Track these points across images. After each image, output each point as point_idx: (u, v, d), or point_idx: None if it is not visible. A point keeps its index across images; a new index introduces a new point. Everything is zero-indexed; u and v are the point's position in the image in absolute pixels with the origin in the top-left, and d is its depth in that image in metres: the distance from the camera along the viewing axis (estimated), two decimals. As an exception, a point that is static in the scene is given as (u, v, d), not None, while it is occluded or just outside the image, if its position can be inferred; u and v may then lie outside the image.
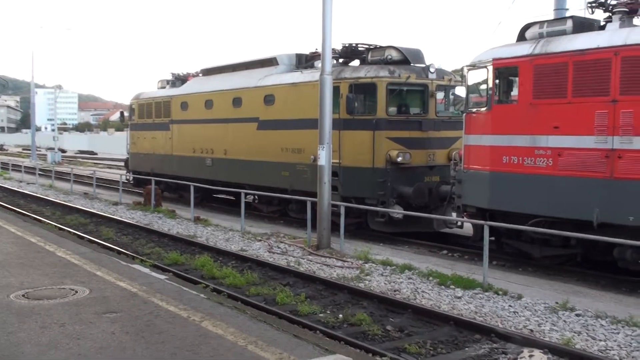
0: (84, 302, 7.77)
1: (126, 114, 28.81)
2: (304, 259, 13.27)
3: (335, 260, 13.02)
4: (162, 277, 9.68)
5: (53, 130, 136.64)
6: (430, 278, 11.36)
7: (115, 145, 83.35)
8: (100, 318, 7.11)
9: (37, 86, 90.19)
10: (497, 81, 13.06)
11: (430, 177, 16.32)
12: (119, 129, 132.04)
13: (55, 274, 9.25)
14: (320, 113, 14.10)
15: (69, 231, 16.26)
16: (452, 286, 10.83)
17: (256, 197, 20.98)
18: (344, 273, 11.90)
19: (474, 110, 13.52)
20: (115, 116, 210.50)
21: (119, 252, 13.19)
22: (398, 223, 15.98)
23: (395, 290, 10.64)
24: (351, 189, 16.28)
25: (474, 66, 13.49)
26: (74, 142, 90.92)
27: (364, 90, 16.27)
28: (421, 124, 16.23)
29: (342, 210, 14.01)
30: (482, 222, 11.79)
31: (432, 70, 16.40)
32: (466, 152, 13.76)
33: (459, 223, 14.52)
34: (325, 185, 14.04)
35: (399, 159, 15.73)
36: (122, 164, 50.17)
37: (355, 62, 18.03)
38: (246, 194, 18.54)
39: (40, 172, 34.81)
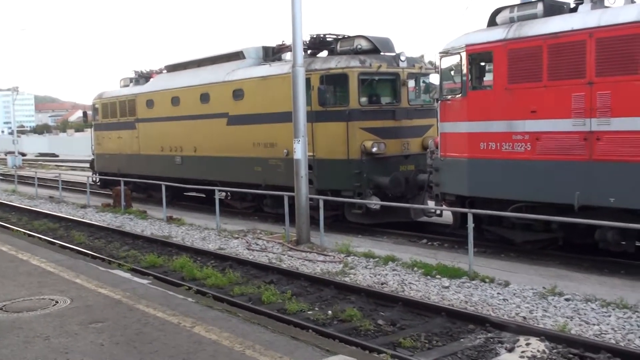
0: (67, 313, 7.46)
1: (89, 112, 28.15)
2: (284, 255, 13.07)
3: (316, 255, 12.85)
4: (144, 281, 9.39)
5: (10, 133, 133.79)
6: (415, 269, 11.26)
7: (76, 146, 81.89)
8: (86, 329, 6.83)
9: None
10: (471, 67, 12.98)
11: (406, 166, 16.22)
12: (78, 130, 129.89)
13: (32, 284, 8.89)
14: (294, 106, 13.88)
15: (40, 237, 15.78)
16: (437, 276, 10.74)
17: (229, 193, 20.69)
18: (328, 268, 11.73)
19: (449, 97, 13.44)
20: (75, 117, 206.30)
21: (95, 257, 12.81)
22: (375, 214, 15.87)
23: (382, 284, 10.50)
24: (327, 182, 16.11)
25: (446, 53, 13.39)
26: (34, 145, 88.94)
27: (336, 81, 16.08)
28: (394, 113, 16.12)
29: (321, 204, 13.84)
30: (465, 210, 11.72)
31: (402, 58, 16.27)
32: (442, 140, 13.68)
33: (438, 212, 14.46)
34: (302, 179, 13.84)
35: (374, 150, 15.60)
36: (87, 165, 49.43)
37: (324, 53, 17.83)
38: (219, 191, 18.26)
39: (1, 177, 33.88)
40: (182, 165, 21.50)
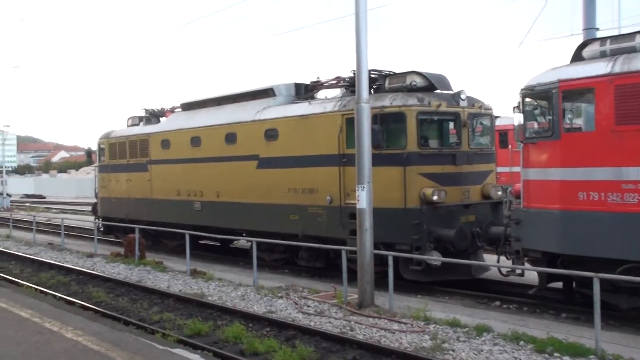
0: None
1: (94, 152, 26.25)
2: (348, 321, 11.18)
3: (388, 322, 10.97)
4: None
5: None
6: (522, 343, 9.43)
7: (63, 187, 79.68)
8: None
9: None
10: (565, 105, 11.41)
11: (466, 217, 14.52)
12: (61, 171, 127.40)
13: (78, 372, 6.98)
14: (357, 148, 12.16)
15: (54, 295, 13.76)
16: (556, 354, 8.91)
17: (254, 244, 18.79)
18: (414, 340, 9.85)
19: (535, 140, 11.81)
20: (57, 157, 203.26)
21: (137, 326, 10.81)
22: (435, 271, 14.08)
23: (495, 364, 8.67)
24: (379, 234, 14.21)
25: (531, 89, 11.80)
26: (19, 186, 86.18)
27: (390, 121, 14.42)
28: (455, 157, 14.47)
29: (390, 261, 12.01)
30: (589, 274, 9.76)
31: (463, 97, 14.71)
32: (526, 188, 11.99)
33: (519, 271, 12.61)
34: (366, 232, 12.03)
35: (435, 198, 13.89)
36: (78, 208, 47.24)
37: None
38: (245, 241, 16.36)
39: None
40: (202, 212, 19.61)
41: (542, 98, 11.74)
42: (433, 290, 14.32)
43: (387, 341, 9.83)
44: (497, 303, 13.05)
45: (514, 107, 12.28)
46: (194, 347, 9.40)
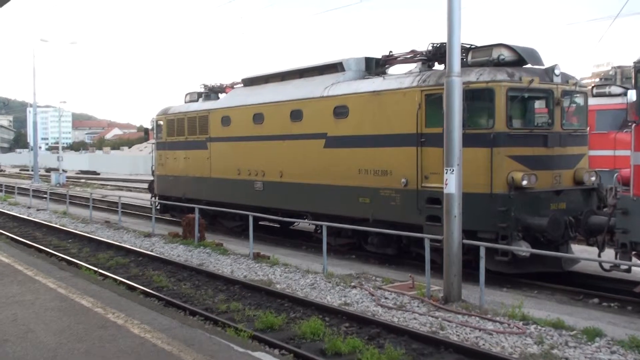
0: None
1: (151, 129, 25.58)
2: (437, 318, 10.08)
3: (483, 321, 9.82)
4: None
5: (48, 149, 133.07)
6: (645, 351, 8.21)
7: (116, 164, 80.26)
8: None
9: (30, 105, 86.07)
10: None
11: (557, 204, 13.20)
12: (114, 148, 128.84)
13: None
14: (446, 126, 10.96)
15: (115, 279, 13.02)
16: (690, 367, 7.68)
17: (318, 227, 17.84)
18: (515, 343, 8.69)
19: (652, 120, 10.42)
20: (111, 134, 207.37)
21: (205, 317, 9.95)
22: (522, 263, 12.86)
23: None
24: (462, 221, 13.11)
25: (648, 63, 10.42)
26: (73, 162, 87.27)
27: (477, 98, 13.14)
28: (546, 138, 13.12)
29: (482, 252, 10.81)
30: None
31: (557, 72, 13.32)
32: (637, 174, 10.64)
33: (624, 267, 11.27)
34: (455, 220, 10.86)
35: (524, 183, 12.62)
36: (133, 185, 47.04)
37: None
38: (307, 223, 15.33)
39: (50, 197, 31.38)
40: (264, 192, 18.67)
41: (661, 72, 10.35)
42: (519, 283, 13.12)
43: (485, 344, 8.69)
44: (596, 300, 11.79)
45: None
46: (271, 346, 8.45)
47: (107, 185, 49.21)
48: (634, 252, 10.86)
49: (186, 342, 7.08)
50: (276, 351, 8.28)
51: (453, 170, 10.77)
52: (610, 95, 21.06)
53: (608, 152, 20.96)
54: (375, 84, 15.33)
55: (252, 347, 7.28)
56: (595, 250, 13.28)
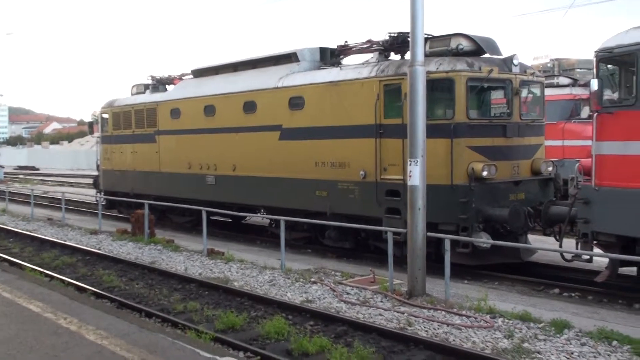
0: None
1: (95, 123, 24.67)
2: (403, 313, 9.82)
3: (449, 315, 9.62)
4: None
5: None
6: (615, 343, 8.11)
7: (57, 159, 77.99)
8: None
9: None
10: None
11: (516, 195, 13.17)
12: (53, 142, 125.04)
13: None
14: (410, 117, 10.67)
15: (63, 280, 12.33)
16: (662, 358, 7.60)
17: (273, 221, 17.45)
18: (487, 339, 8.50)
19: (613, 109, 10.37)
20: (49, 128, 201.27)
21: (162, 319, 9.43)
22: (483, 254, 12.77)
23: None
24: (422, 213, 12.91)
25: (610, 52, 10.35)
26: (11, 157, 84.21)
27: (437, 88, 12.93)
28: (505, 128, 13.05)
29: (447, 245, 10.60)
30: None
31: (515, 62, 13.25)
32: (599, 164, 10.59)
33: (586, 257, 11.24)
34: (419, 212, 10.60)
35: (484, 173, 12.51)
36: (74, 181, 45.59)
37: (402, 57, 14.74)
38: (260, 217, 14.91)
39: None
40: (216, 187, 18.15)
41: (622, 62, 10.31)
42: (479, 274, 13.03)
43: (455, 340, 8.47)
44: (557, 291, 11.77)
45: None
46: (235, 348, 8.04)
47: (48, 181, 47.57)
48: (595, 242, 10.84)
49: (148, 348, 6.60)
50: (241, 354, 7.88)
51: (417, 161, 10.50)
52: (558, 85, 21.29)
53: (557, 142, 21.09)
54: (332, 74, 15.00)
55: (218, 351, 6.86)
56: (552, 240, 13.35)
